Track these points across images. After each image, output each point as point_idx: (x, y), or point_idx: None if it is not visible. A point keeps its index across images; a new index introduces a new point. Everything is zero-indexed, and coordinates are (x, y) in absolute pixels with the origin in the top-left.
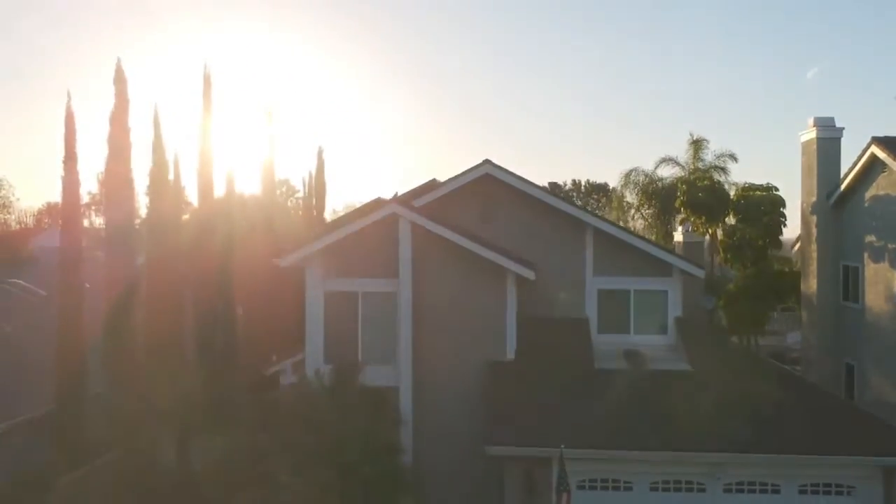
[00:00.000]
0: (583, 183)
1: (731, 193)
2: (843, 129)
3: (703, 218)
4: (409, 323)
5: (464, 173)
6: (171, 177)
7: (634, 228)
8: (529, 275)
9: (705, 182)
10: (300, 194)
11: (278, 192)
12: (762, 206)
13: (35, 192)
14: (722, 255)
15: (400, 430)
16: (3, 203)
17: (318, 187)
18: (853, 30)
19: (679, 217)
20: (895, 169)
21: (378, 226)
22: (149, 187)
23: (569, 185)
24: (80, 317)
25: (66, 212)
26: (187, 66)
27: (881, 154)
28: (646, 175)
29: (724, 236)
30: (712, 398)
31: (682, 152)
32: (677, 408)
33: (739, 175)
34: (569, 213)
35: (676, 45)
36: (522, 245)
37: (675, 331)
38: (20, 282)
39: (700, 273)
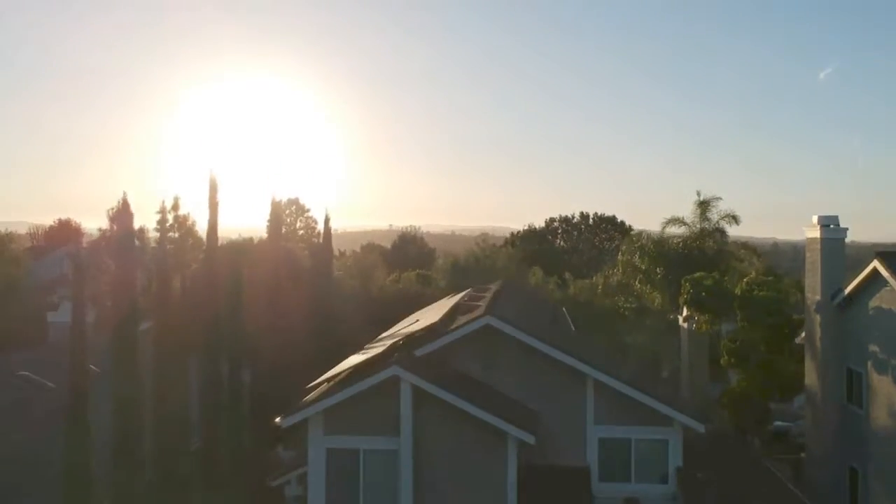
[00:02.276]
0: (591, 216)
1: (731, 245)
2: (847, 229)
3: (707, 316)
4: (409, 481)
5: (466, 324)
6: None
7: (640, 292)
8: (529, 439)
9: (709, 282)
10: (310, 213)
11: (287, 211)
12: (767, 306)
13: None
14: (725, 358)
15: None
16: (14, 257)
17: (324, 257)
18: (857, 33)
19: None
20: None
21: (380, 386)
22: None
23: (577, 218)
24: (86, 434)
25: (74, 361)
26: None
27: (884, 272)
28: (652, 239)
29: (727, 340)
30: None
31: (689, 212)
32: None
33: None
34: (569, 365)
35: (680, 62)
36: (524, 392)
37: (675, 480)
38: (28, 374)
39: (700, 428)
